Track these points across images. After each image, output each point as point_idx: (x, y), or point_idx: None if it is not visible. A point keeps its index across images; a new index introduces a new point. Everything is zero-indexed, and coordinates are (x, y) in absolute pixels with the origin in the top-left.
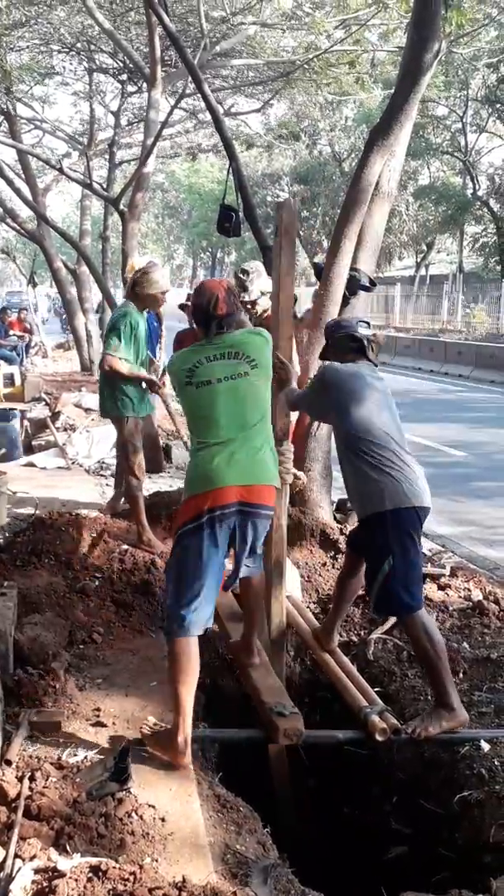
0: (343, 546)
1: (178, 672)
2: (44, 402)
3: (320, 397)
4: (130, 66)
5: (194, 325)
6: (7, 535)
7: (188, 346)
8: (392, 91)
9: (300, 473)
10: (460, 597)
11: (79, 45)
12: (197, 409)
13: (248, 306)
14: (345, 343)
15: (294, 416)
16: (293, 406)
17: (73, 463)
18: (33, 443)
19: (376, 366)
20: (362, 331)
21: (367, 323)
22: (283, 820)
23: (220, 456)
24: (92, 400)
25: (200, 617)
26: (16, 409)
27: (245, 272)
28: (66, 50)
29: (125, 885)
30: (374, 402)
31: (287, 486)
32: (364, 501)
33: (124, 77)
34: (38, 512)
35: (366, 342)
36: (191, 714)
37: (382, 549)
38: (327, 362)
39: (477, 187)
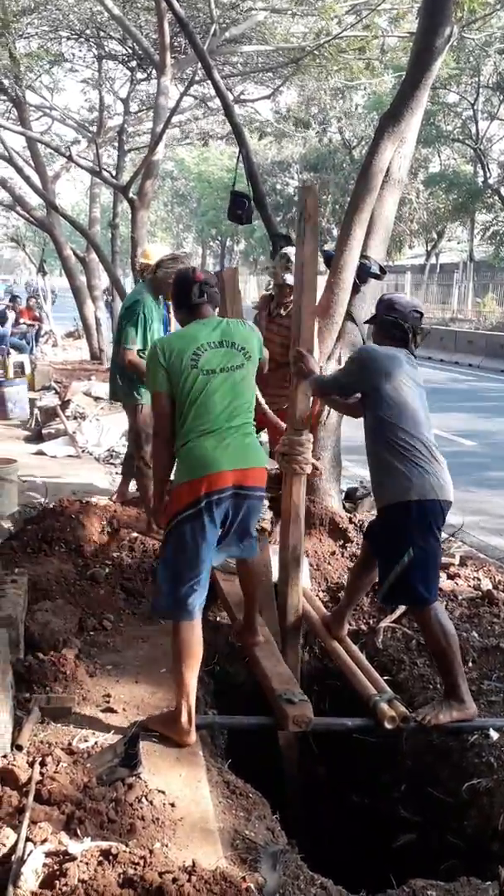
0: (352, 535)
1: (183, 654)
2: (54, 391)
3: (354, 379)
4: (140, 52)
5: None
6: (18, 522)
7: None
8: (403, 77)
9: (318, 463)
10: (470, 586)
11: (88, 31)
12: (196, 394)
13: (288, 290)
14: (389, 328)
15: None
16: (322, 391)
17: (82, 451)
18: (43, 431)
19: (414, 356)
20: (411, 322)
21: (421, 313)
22: (292, 806)
23: (212, 442)
24: (101, 388)
25: (201, 599)
26: None
27: (289, 258)
28: (75, 37)
29: (135, 869)
30: (409, 389)
31: (304, 476)
32: (389, 490)
33: (133, 64)
34: (48, 500)
35: (411, 335)
36: (194, 695)
37: (403, 540)
38: (365, 346)
39: (488, 175)
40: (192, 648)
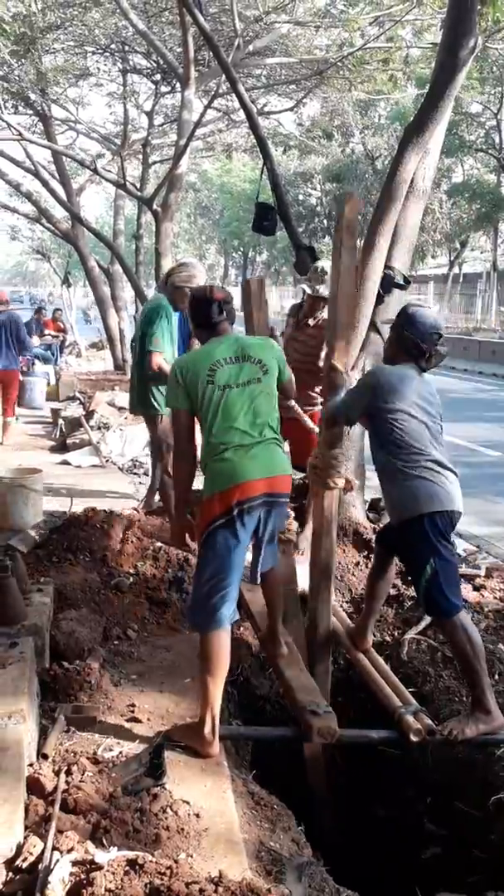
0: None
1: (210, 664)
2: (78, 401)
3: (363, 399)
4: (164, 66)
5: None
6: (43, 531)
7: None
8: (426, 89)
9: (351, 477)
10: (496, 598)
11: (113, 46)
12: (216, 408)
13: (322, 303)
14: (405, 343)
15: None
16: (332, 418)
17: (106, 461)
18: (68, 441)
19: (424, 370)
20: (429, 343)
21: (440, 335)
22: (319, 818)
23: (240, 454)
24: (125, 399)
25: (232, 608)
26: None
27: (324, 270)
28: (101, 51)
29: (162, 880)
30: (417, 408)
31: (337, 490)
32: (401, 506)
33: (158, 77)
34: (72, 509)
35: (427, 356)
36: (219, 706)
37: (423, 554)
38: (375, 368)
39: None
40: (220, 659)
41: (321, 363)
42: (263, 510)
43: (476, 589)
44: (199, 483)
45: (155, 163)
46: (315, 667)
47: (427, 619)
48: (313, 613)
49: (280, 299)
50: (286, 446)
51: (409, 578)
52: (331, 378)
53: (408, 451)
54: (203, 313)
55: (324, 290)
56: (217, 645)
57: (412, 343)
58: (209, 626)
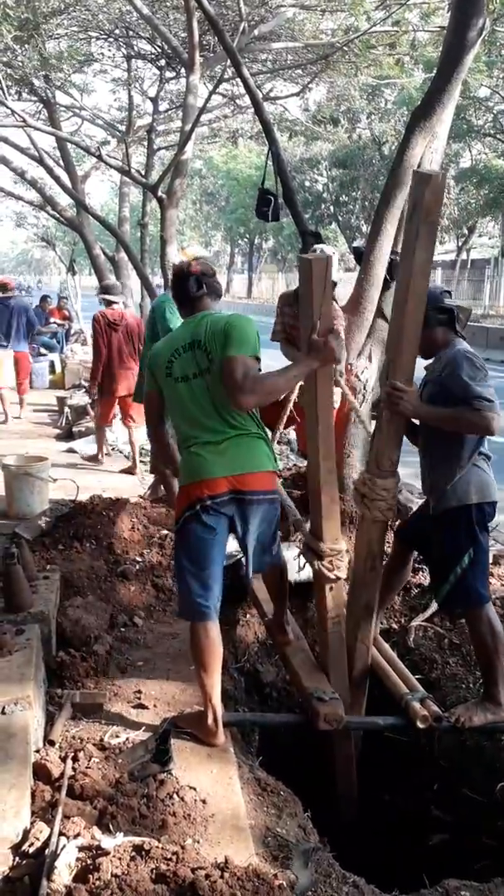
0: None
1: (200, 655)
2: (84, 390)
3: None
4: (168, 51)
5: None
6: (49, 519)
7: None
8: (433, 72)
9: (397, 502)
10: (503, 585)
11: (117, 31)
12: (176, 402)
13: None
14: (435, 316)
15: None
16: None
17: (112, 449)
18: (73, 429)
19: (464, 338)
20: (448, 301)
21: (449, 292)
22: (343, 802)
23: (208, 449)
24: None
25: (213, 601)
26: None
27: (323, 253)
28: (105, 37)
29: (168, 865)
30: None
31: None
32: (454, 493)
33: (162, 63)
34: (78, 497)
35: (455, 315)
36: (218, 695)
37: (464, 543)
38: (459, 349)
39: None
40: (206, 651)
41: None
42: (235, 508)
43: None
44: None
45: (160, 149)
46: (352, 706)
47: (434, 607)
48: (351, 653)
49: (287, 285)
50: (292, 433)
51: (428, 568)
52: (394, 405)
53: (475, 439)
54: (182, 287)
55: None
56: (202, 637)
57: (437, 310)
58: (192, 617)
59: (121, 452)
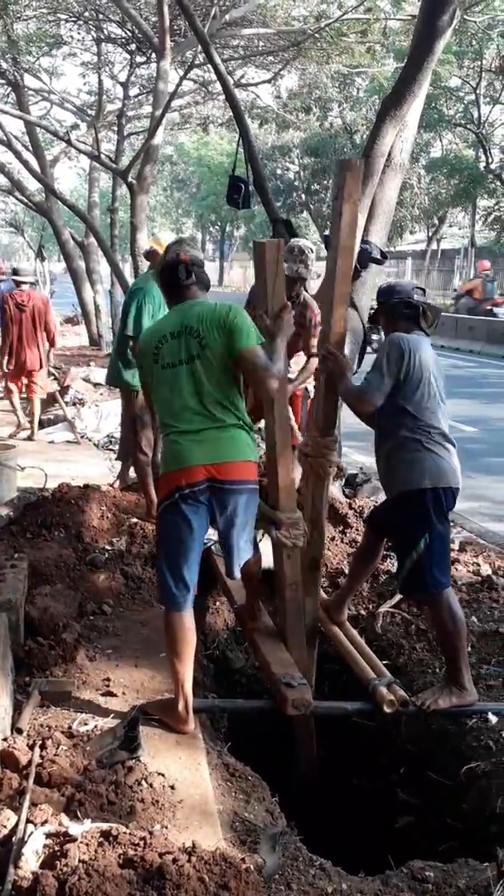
0: (352, 520)
1: (173, 643)
2: (53, 377)
3: (396, 369)
4: (139, 35)
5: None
6: (17, 508)
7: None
8: (405, 61)
9: (342, 463)
10: (469, 571)
11: (86, 14)
12: (160, 389)
13: (299, 282)
14: (399, 310)
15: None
16: (362, 401)
17: (82, 437)
18: (42, 417)
19: (428, 335)
20: (417, 297)
21: (423, 290)
22: (301, 787)
23: (188, 437)
24: (100, 374)
25: (188, 593)
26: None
27: (301, 250)
28: (74, 19)
29: (135, 850)
30: (431, 377)
31: (329, 478)
32: (403, 477)
33: (133, 47)
34: (47, 485)
35: (421, 310)
36: (190, 683)
37: (418, 528)
38: (395, 334)
39: (490, 160)
40: (179, 639)
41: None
42: (213, 497)
43: (450, 563)
44: None
45: (130, 134)
46: (301, 656)
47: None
48: (300, 605)
49: None
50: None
51: (393, 553)
52: (338, 363)
53: (423, 421)
54: (171, 275)
55: (303, 271)
56: (176, 625)
57: (403, 304)
58: (168, 606)
59: (90, 440)
